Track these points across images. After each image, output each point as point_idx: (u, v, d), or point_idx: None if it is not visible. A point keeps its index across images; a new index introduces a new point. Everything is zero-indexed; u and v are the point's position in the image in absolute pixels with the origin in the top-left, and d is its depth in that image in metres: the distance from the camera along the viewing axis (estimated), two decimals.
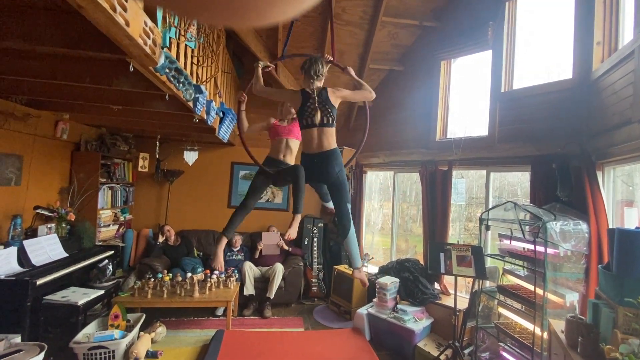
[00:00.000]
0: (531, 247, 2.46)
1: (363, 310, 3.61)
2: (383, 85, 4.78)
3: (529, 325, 2.49)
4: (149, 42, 1.52)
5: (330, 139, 2.02)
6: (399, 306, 3.43)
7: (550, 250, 2.38)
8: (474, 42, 3.63)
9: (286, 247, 4.51)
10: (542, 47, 3.34)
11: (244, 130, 2.49)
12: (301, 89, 2.08)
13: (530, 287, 2.50)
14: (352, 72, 2.20)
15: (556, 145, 2.77)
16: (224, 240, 2.17)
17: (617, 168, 2.53)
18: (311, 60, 2.05)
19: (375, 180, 5.52)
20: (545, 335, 2.31)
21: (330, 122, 2.00)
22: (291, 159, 2.49)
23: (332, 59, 2.22)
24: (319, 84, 2.07)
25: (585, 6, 2.69)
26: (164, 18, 1.76)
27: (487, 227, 2.93)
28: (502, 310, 2.86)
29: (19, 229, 3.01)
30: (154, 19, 1.59)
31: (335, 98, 2.02)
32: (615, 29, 2.55)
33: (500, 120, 3.30)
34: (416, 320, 3.28)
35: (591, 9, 2.62)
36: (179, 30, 2.04)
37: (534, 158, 2.95)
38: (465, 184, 3.78)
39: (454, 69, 4.08)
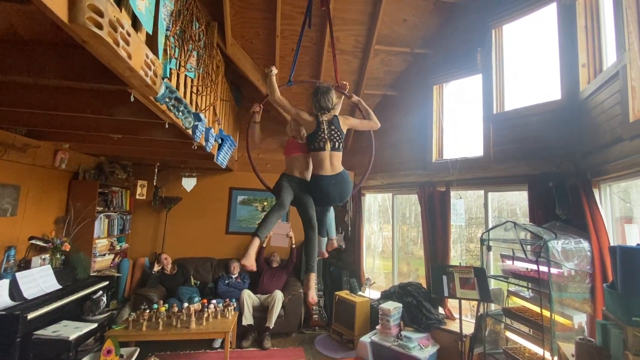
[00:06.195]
0: (534, 267, 2.42)
1: (366, 339, 3.48)
2: (378, 110, 4.89)
3: (539, 350, 2.41)
4: (150, 73, 1.57)
5: (339, 161, 2.18)
6: (403, 333, 3.32)
7: (554, 270, 2.34)
8: (464, 67, 3.77)
9: (293, 242, 4.47)
10: (530, 70, 3.47)
11: (256, 143, 2.46)
12: (316, 114, 2.18)
13: (537, 308, 2.44)
14: (363, 103, 2.37)
15: (551, 164, 2.80)
16: (257, 242, 1.93)
17: (613, 185, 2.55)
18: (323, 90, 2.16)
19: (374, 202, 5.50)
20: (555, 359, 2.23)
21: (340, 147, 2.17)
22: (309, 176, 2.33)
23: (341, 87, 2.40)
24: (333, 112, 2.21)
25: (567, 31, 2.82)
26: (164, 50, 1.83)
27: (489, 248, 2.90)
28: (509, 334, 2.77)
29: (12, 261, 2.95)
30: (155, 51, 1.64)
31: (345, 126, 2.20)
32: (598, 51, 2.66)
33: (495, 141, 3.36)
34: (422, 348, 3.16)
35: (574, 33, 2.75)
36: (179, 62, 2.11)
37: (530, 177, 2.97)
38: (464, 204, 3.78)
39: (446, 92, 4.20)
